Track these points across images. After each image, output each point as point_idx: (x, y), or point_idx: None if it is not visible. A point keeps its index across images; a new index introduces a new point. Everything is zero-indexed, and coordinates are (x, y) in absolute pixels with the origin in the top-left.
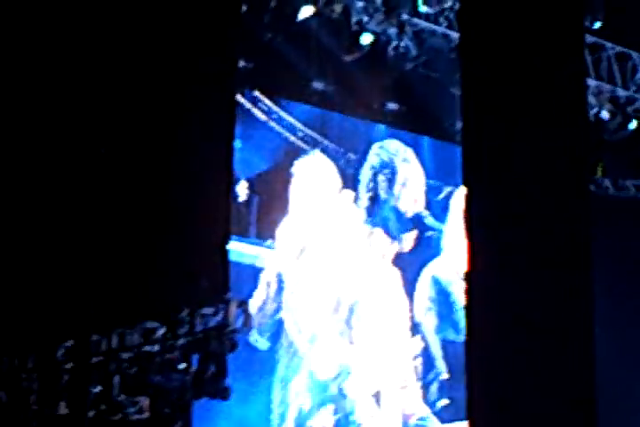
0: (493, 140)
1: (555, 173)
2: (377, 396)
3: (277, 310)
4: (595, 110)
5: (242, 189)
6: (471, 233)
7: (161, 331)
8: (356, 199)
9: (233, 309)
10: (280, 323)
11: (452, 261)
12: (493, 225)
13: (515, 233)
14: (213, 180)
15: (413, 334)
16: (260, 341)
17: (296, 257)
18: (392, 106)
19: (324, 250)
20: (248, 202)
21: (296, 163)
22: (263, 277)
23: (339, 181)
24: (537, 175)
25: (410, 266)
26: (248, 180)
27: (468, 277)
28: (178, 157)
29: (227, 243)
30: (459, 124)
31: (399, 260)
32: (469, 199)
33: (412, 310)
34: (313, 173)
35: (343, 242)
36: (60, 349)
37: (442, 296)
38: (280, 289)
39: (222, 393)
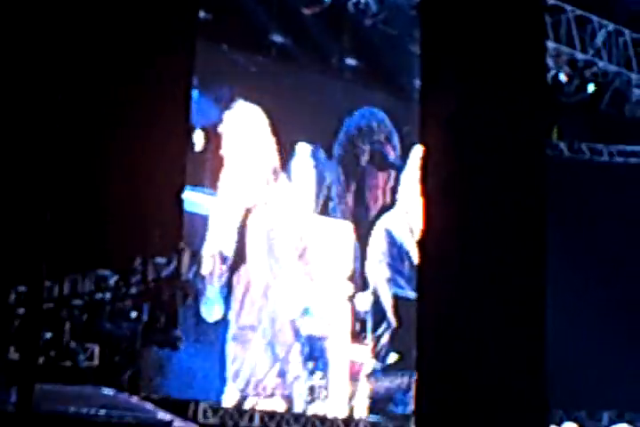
0: (451, 98)
1: (511, 135)
2: (326, 348)
3: (233, 260)
4: (552, 73)
5: (198, 139)
6: (427, 191)
7: (113, 279)
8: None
9: (186, 259)
10: (235, 273)
11: (405, 214)
12: (450, 184)
13: (470, 193)
14: (170, 129)
15: (365, 287)
16: (214, 293)
17: (249, 207)
18: (350, 62)
19: (274, 200)
20: (203, 152)
21: (225, 113)
22: (217, 227)
23: (269, 129)
24: (493, 136)
25: (364, 217)
26: (203, 129)
27: (423, 234)
28: (135, 104)
29: (182, 192)
30: (416, 82)
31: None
32: (426, 158)
33: (364, 263)
34: (245, 123)
35: (293, 193)
36: (12, 293)
37: (394, 249)
38: (236, 237)
39: (172, 343)
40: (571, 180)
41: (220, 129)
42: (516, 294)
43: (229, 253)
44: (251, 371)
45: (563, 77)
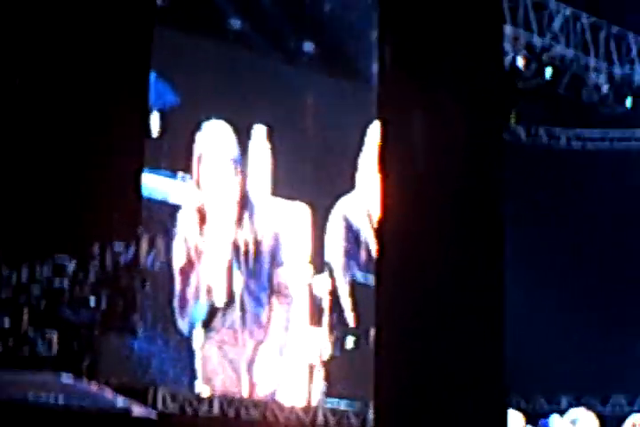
0: (408, 83)
1: (469, 120)
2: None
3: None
4: (510, 57)
5: (154, 121)
6: (384, 175)
7: (71, 266)
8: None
9: (144, 245)
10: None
11: (363, 198)
12: (407, 168)
13: (427, 176)
14: (127, 112)
15: (322, 271)
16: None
17: (210, 191)
18: (308, 47)
19: (234, 186)
20: (160, 135)
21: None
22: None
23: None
24: (451, 120)
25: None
26: (160, 111)
27: (381, 220)
28: (92, 86)
29: (140, 176)
30: (374, 67)
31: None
32: (384, 142)
33: (322, 249)
34: (214, 145)
35: (253, 177)
36: None
37: (350, 234)
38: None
39: (131, 329)
40: (528, 164)
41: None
42: (474, 280)
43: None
44: (209, 356)
45: (520, 62)
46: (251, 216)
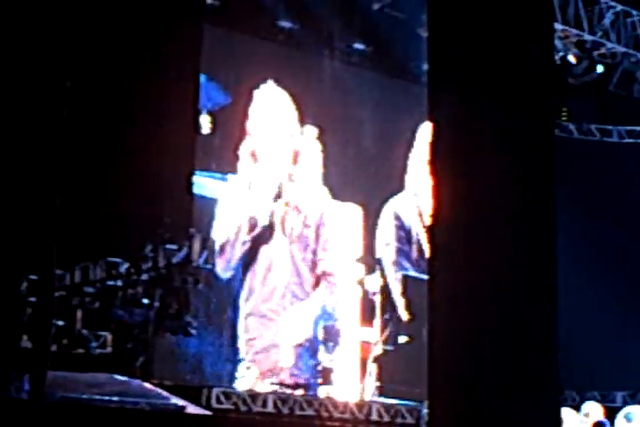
0: (459, 82)
1: (521, 117)
2: (337, 331)
3: (242, 246)
4: (561, 54)
5: (204, 122)
6: (436, 173)
7: (124, 266)
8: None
9: (197, 245)
10: (244, 259)
11: (414, 197)
12: (459, 165)
13: (480, 173)
14: (178, 114)
15: (374, 270)
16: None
17: (267, 192)
18: (358, 46)
19: (288, 185)
20: (211, 135)
21: (254, 93)
22: (226, 213)
23: (294, 112)
24: (502, 118)
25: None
26: (210, 113)
27: (433, 218)
28: (143, 89)
29: (192, 177)
30: (424, 66)
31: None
32: (435, 140)
33: (373, 246)
34: (269, 104)
35: (305, 177)
36: (24, 282)
37: (402, 233)
38: (245, 225)
39: (184, 329)
40: (581, 161)
41: (250, 108)
42: (527, 275)
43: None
44: (263, 354)
45: (571, 59)
46: (308, 217)
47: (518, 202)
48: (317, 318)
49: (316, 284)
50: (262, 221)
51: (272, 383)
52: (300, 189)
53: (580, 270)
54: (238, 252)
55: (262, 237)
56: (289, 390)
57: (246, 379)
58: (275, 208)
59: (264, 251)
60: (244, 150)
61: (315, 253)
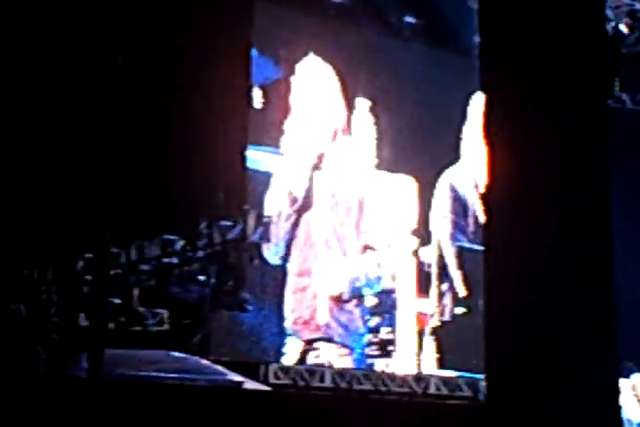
0: (510, 52)
1: (572, 87)
2: (393, 302)
3: (286, 220)
4: (612, 24)
5: (256, 97)
6: (491, 144)
7: (180, 243)
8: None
9: (251, 221)
10: (294, 232)
11: (469, 168)
12: (513, 135)
13: (534, 142)
14: (231, 88)
15: (428, 243)
16: (273, 252)
17: (308, 165)
18: (409, 20)
19: (335, 157)
20: (262, 109)
21: (296, 66)
22: (278, 188)
23: (338, 85)
24: (554, 88)
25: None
26: (261, 87)
27: (488, 187)
28: (196, 64)
29: (245, 151)
30: (476, 38)
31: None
32: (489, 111)
33: (427, 218)
34: (310, 78)
35: (350, 150)
36: (80, 261)
37: (457, 204)
38: (295, 199)
39: (240, 305)
40: (634, 131)
41: (292, 80)
42: (583, 246)
43: (299, 194)
44: (315, 326)
45: (623, 28)
46: (357, 188)
47: (573, 171)
48: (355, 280)
49: (361, 255)
50: (302, 194)
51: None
52: (343, 162)
53: (637, 240)
54: (283, 226)
55: (304, 209)
56: (327, 345)
57: (295, 352)
58: (316, 181)
59: (307, 224)
60: (288, 124)
61: (358, 225)
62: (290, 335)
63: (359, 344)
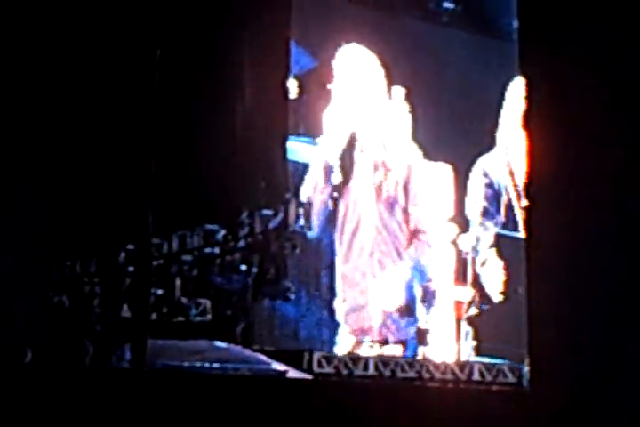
0: (549, 37)
1: (613, 69)
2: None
3: (322, 204)
4: None
5: (292, 87)
6: (531, 129)
7: (221, 233)
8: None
9: (292, 210)
10: (330, 219)
11: (504, 155)
12: (552, 120)
13: (573, 129)
14: (270, 78)
15: (466, 230)
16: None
17: (344, 150)
18: (448, 5)
19: (371, 144)
20: (298, 99)
21: (336, 54)
22: (311, 176)
23: (380, 73)
24: (595, 69)
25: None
26: (297, 77)
27: (529, 171)
28: (234, 55)
29: (285, 141)
30: (515, 23)
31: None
32: (528, 95)
33: (464, 205)
34: (352, 65)
35: (391, 135)
36: (122, 252)
37: (492, 192)
38: (330, 183)
39: (283, 294)
40: None
41: (333, 65)
42: (629, 231)
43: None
44: (351, 315)
45: None
46: (396, 176)
47: (618, 153)
48: (410, 281)
49: (409, 243)
50: (337, 179)
51: (361, 341)
52: (385, 148)
53: None
54: (318, 209)
55: (345, 195)
56: (381, 348)
57: (343, 342)
58: (354, 165)
59: (351, 210)
60: (328, 112)
61: (405, 210)
62: (339, 326)
63: (409, 336)
